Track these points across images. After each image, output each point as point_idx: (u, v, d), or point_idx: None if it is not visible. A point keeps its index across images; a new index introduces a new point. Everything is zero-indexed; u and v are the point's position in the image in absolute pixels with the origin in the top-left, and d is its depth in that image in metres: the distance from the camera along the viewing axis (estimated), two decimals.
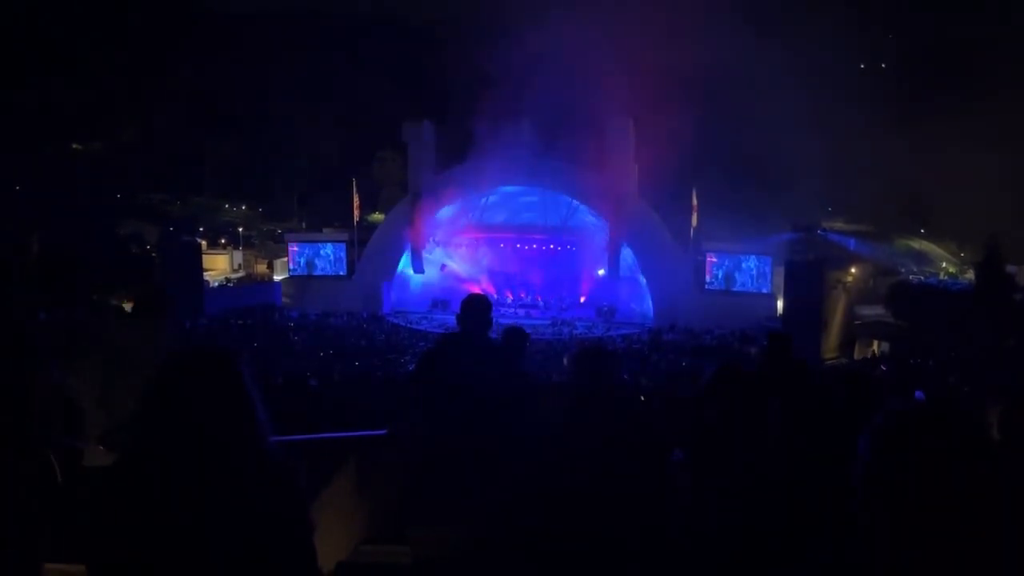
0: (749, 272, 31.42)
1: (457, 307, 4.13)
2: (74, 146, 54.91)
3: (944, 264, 43.00)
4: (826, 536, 1.63)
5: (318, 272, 35.36)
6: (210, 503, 1.75)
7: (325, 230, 40.18)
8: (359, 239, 35.50)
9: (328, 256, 35.28)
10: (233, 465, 1.82)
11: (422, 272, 34.38)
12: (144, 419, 1.88)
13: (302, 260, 35.63)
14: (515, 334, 4.65)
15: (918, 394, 6.31)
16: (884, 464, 1.36)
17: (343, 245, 35.42)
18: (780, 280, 30.16)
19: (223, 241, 47.21)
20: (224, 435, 1.84)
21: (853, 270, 32.16)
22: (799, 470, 2.36)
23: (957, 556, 1.25)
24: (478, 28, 41.15)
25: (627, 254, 32.50)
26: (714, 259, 31.98)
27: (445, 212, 34.56)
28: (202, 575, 1.73)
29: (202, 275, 33.28)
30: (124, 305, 31.34)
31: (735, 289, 31.37)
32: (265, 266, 43.94)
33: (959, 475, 1.28)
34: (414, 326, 31.05)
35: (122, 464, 1.88)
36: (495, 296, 31.67)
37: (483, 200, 34.54)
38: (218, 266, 42.22)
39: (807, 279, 27.19)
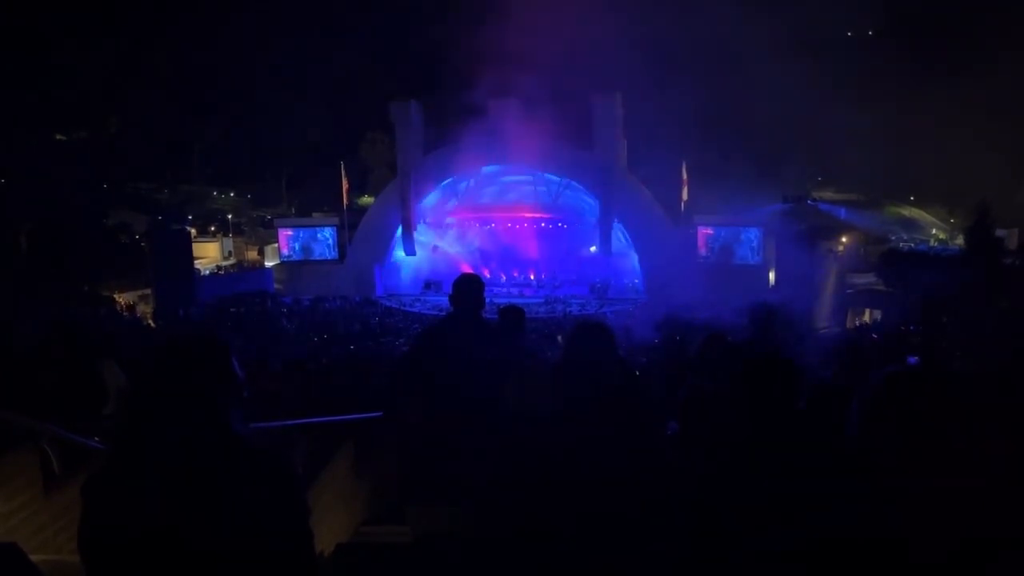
0: (741, 244, 31.46)
1: (450, 288, 4.12)
2: (58, 136, 54.32)
3: (934, 230, 43.20)
4: (818, 501, 1.64)
5: (315, 257, 35.23)
6: (201, 489, 1.75)
7: (314, 214, 39.99)
8: (349, 223, 35.35)
9: (326, 240, 35.15)
10: (222, 450, 1.82)
11: (414, 254, 34.28)
12: (134, 406, 1.88)
13: (297, 245, 35.49)
14: (511, 312, 4.66)
15: (911, 359, 6.35)
16: (878, 425, 1.37)
17: (334, 229, 35.28)
18: (772, 251, 30.24)
19: (213, 229, 46.95)
20: (212, 421, 1.83)
21: (844, 239, 32.29)
22: (789, 435, 2.37)
23: (952, 511, 1.26)
24: (464, 5, 40.72)
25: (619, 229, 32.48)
26: (708, 232, 32.00)
27: (435, 192, 34.43)
28: (197, 561, 1.73)
29: (193, 263, 33.12)
30: (116, 296, 31.43)
31: (728, 262, 31.41)
32: (256, 252, 43.75)
33: (952, 435, 1.29)
34: (407, 308, 31.02)
35: (113, 452, 1.88)
36: (488, 276, 31.66)
37: (473, 179, 34.40)
38: (208, 254, 42.00)
39: (798, 250, 27.29)
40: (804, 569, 1.62)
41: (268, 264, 38.89)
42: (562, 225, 34.29)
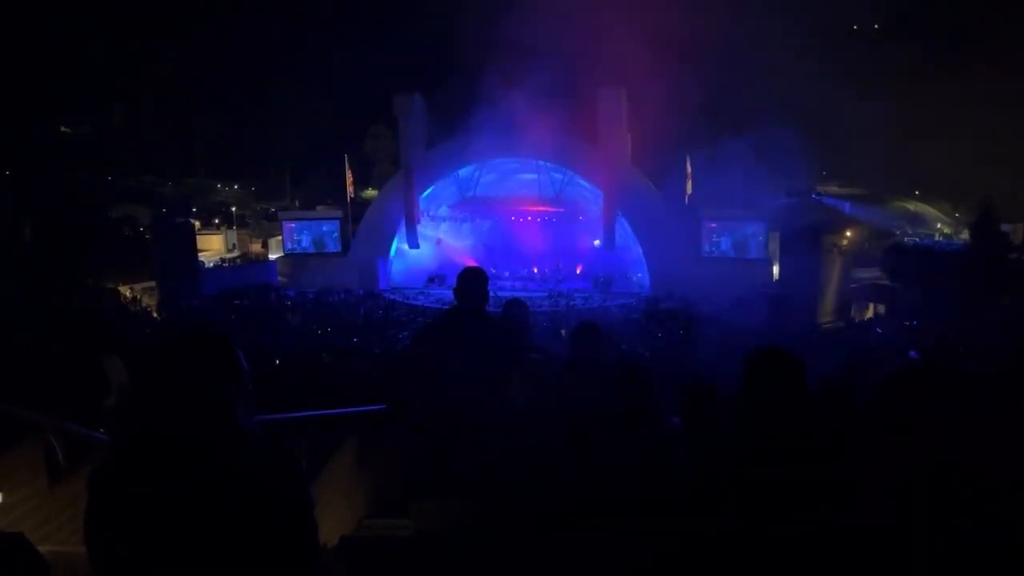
0: (745, 239, 31.41)
1: (454, 281, 4.12)
2: (63, 129, 54.39)
3: (939, 225, 43.07)
4: (820, 496, 1.64)
5: (319, 250, 35.33)
6: (206, 480, 1.76)
7: (318, 207, 39.98)
8: (353, 216, 35.39)
9: (330, 233, 35.28)
10: (228, 443, 1.83)
11: (417, 247, 34.29)
12: (138, 400, 1.89)
13: (302, 238, 35.60)
14: (515, 306, 4.66)
15: (912, 354, 6.34)
16: (880, 422, 1.37)
17: (337, 222, 35.37)
18: (776, 246, 30.17)
19: (216, 221, 46.94)
20: (218, 415, 1.84)
21: (848, 233, 32.18)
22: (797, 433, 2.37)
23: (953, 509, 1.27)
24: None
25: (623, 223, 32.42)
26: (711, 226, 31.94)
27: (439, 186, 34.42)
28: (202, 552, 1.75)
29: (196, 256, 33.15)
30: (121, 289, 31.50)
31: (732, 256, 31.38)
32: (260, 245, 43.76)
33: (953, 434, 1.29)
34: (411, 301, 31.03)
35: (118, 445, 1.89)
36: (491, 269, 31.64)
37: (476, 173, 34.37)
38: (212, 246, 41.99)
39: (803, 244, 27.22)
40: (806, 563, 1.62)
41: (272, 257, 38.90)
42: (564, 212, 34.11)
